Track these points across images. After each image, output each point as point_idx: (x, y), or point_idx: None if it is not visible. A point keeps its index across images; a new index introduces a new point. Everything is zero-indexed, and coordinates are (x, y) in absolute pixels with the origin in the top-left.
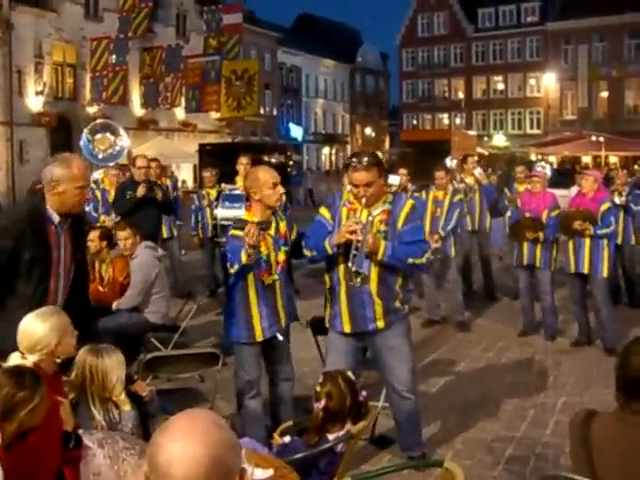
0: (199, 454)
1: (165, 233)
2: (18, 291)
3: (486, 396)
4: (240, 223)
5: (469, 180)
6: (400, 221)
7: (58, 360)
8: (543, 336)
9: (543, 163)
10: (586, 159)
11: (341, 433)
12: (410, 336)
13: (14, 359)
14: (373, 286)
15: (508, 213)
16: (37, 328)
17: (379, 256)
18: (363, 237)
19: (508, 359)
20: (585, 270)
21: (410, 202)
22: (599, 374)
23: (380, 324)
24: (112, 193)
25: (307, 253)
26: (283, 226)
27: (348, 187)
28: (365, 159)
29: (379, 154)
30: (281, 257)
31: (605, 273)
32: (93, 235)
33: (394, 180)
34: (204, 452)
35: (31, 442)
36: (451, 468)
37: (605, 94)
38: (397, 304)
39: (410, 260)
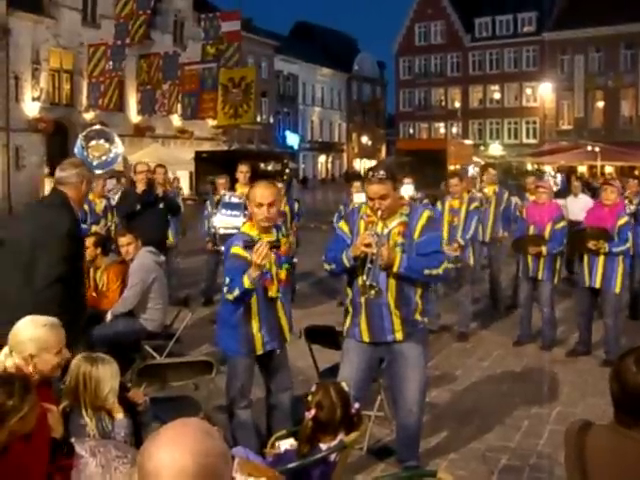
0: (187, 463)
1: (172, 239)
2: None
3: (481, 406)
4: (251, 241)
5: (487, 190)
6: (417, 232)
7: (32, 371)
8: (539, 346)
9: (556, 174)
10: (582, 169)
11: (334, 443)
12: (426, 351)
13: (2, 354)
14: (391, 298)
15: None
16: (22, 332)
17: (394, 268)
18: (378, 250)
19: (503, 369)
20: (597, 285)
21: (427, 213)
22: (594, 384)
23: (399, 336)
24: (97, 203)
25: (327, 267)
26: (284, 242)
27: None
28: (380, 172)
29: (394, 167)
30: (282, 275)
31: (618, 289)
32: (88, 242)
33: (407, 190)
34: (192, 460)
35: (17, 451)
36: (444, 478)
37: (601, 104)
38: (416, 316)
39: (426, 272)
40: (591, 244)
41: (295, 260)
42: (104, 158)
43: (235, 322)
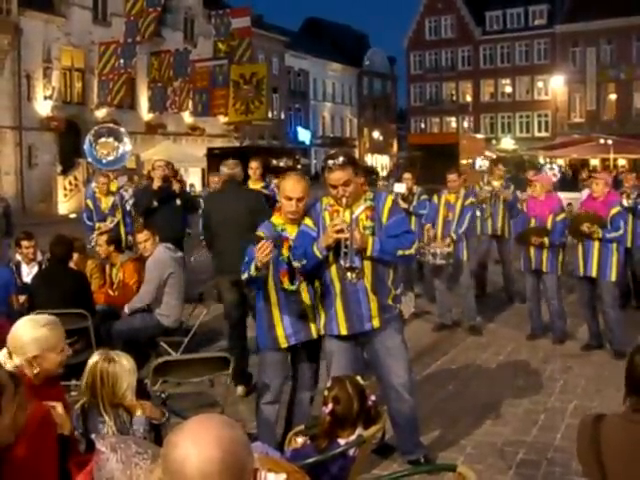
0: (213, 452)
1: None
2: None
3: (497, 400)
4: (257, 237)
5: (496, 184)
6: (384, 216)
7: (35, 371)
8: (552, 340)
9: (553, 166)
10: (594, 162)
11: (352, 437)
12: (403, 336)
13: (1, 355)
14: (367, 282)
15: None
16: (23, 333)
17: (368, 251)
18: (350, 234)
19: (518, 363)
20: (593, 274)
21: (390, 197)
22: (610, 377)
23: (375, 323)
24: (103, 201)
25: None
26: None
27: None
28: (340, 159)
29: (353, 154)
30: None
31: (614, 277)
32: (101, 240)
33: (399, 188)
34: (218, 450)
35: (20, 454)
36: (464, 472)
37: (613, 96)
38: (390, 302)
39: (400, 252)
40: (585, 226)
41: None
42: (112, 156)
43: (259, 312)
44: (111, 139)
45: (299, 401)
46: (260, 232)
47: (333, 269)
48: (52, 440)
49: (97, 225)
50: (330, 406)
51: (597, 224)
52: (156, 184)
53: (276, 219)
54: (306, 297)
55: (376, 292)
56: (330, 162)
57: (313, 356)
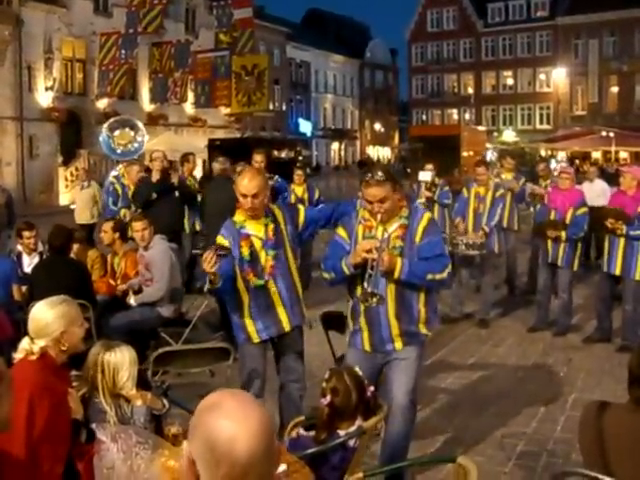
0: (258, 434)
1: (187, 229)
2: None
3: (496, 392)
4: (211, 248)
5: (505, 176)
6: (418, 235)
7: (64, 348)
8: (553, 332)
9: (561, 159)
10: (596, 154)
11: (352, 429)
12: (421, 361)
13: (23, 344)
14: (391, 307)
15: (531, 209)
16: (45, 314)
17: (395, 274)
18: (379, 255)
19: (518, 355)
20: (617, 271)
21: (427, 215)
22: (610, 370)
23: (398, 345)
24: (131, 188)
25: (326, 275)
26: (272, 228)
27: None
28: (379, 174)
29: (392, 169)
30: (269, 262)
31: (637, 276)
32: (106, 226)
33: (425, 176)
34: (262, 431)
35: (39, 431)
36: (464, 464)
37: (615, 89)
38: (419, 327)
39: (429, 276)
40: (609, 222)
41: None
42: (130, 146)
43: (230, 310)
44: (127, 129)
45: (286, 394)
46: (219, 237)
47: (359, 289)
48: (66, 422)
49: (122, 211)
50: (328, 398)
51: (621, 219)
52: (155, 176)
53: (237, 216)
54: (274, 292)
55: (399, 317)
56: (368, 176)
57: (293, 348)
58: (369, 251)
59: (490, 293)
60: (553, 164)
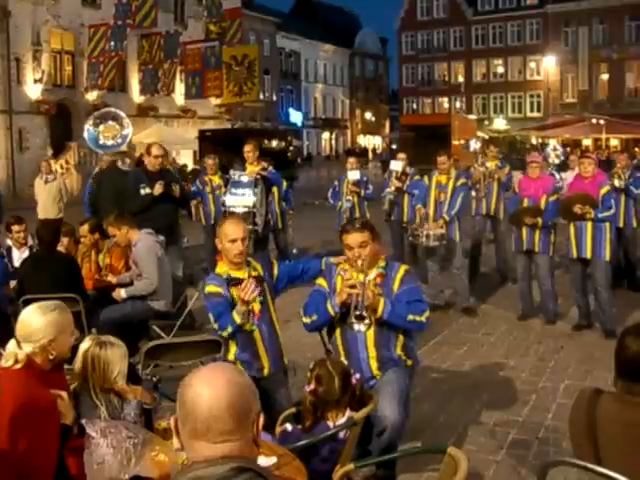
0: (223, 392)
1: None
2: None
3: (488, 380)
4: (236, 280)
5: (490, 164)
6: (395, 285)
7: (51, 357)
8: (543, 320)
9: (557, 147)
10: (587, 142)
11: (343, 420)
12: (408, 384)
13: (9, 346)
14: (370, 344)
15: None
16: (34, 320)
17: (379, 311)
18: (362, 291)
19: (510, 343)
20: (587, 255)
21: (404, 267)
22: (601, 358)
23: (377, 375)
24: None
25: (307, 320)
26: (256, 274)
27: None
28: (357, 222)
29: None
30: (256, 307)
31: (607, 257)
32: (83, 231)
33: (396, 166)
34: (227, 391)
35: (25, 444)
36: (454, 454)
37: (606, 76)
38: (397, 356)
39: (410, 317)
40: (577, 207)
41: (295, 251)
42: (115, 139)
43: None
44: (110, 122)
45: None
46: (211, 287)
47: (339, 329)
48: (54, 431)
49: None
50: (312, 385)
51: (589, 204)
52: (155, 167)
53: (219, 268)
54: (258, 337)
55: (379, 352)
56: (348, 226)
57: (271, 391)
58: (353, 286)
59: (463, 279)
60: (551, 153)
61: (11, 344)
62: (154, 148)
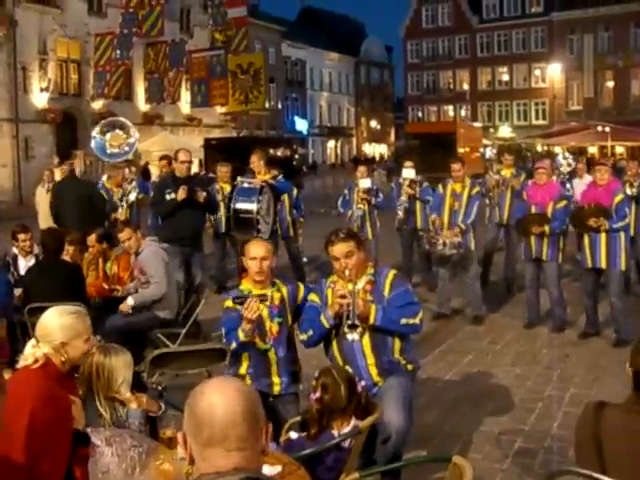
0: (237, 401)
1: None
2: None
3: (494, 389)
4: (242, 297)
5: (505, 172)
6: (386, 290)
7: (62, 359)
8: (550, 328)
9: (567, 154)
10: (592, 149)
11: (348, 429)
12: (411, 389)
13: (28, 346)
14: (367, 350)
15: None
16: (51, 321)
17: (371, 318)
18: (353, 300)
19: (516, 351)
20: (602, 265)
21: (392, 271)
22: (607, 366)
23: (378, 382)
24: (115, 192)
25: (303, 336)
26: (277, 297)
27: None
28: (341, 233)
29: (355, 231)
30: (274, 328)
31: (623, 266)
32: (90, 241)
33: (409, 174)
34: (240, 400)
35: (40, 442)
36: (459, 463)
37: (611, 84)
38: (396, 362)
39: (404, 320)
40: (592, 221)
41: (305, 260)
42: (122, 148)
43: (230, 362)
44: (117, 130)
45: None
46: (229, 301)
47: (335, 340)
48: (68, 433)
49: (112, 216)
50: (318, 394)
51: (603, 216)
52: (183, 173)
53: (244, 285)
54: (273, 358)
55: (377, 359)
56: (332, 236)
57: (283, 412)
58: (343, 296)
59: (477, 288)
60: (562, 161)
61: (30, 344)
62: (181, 154)
